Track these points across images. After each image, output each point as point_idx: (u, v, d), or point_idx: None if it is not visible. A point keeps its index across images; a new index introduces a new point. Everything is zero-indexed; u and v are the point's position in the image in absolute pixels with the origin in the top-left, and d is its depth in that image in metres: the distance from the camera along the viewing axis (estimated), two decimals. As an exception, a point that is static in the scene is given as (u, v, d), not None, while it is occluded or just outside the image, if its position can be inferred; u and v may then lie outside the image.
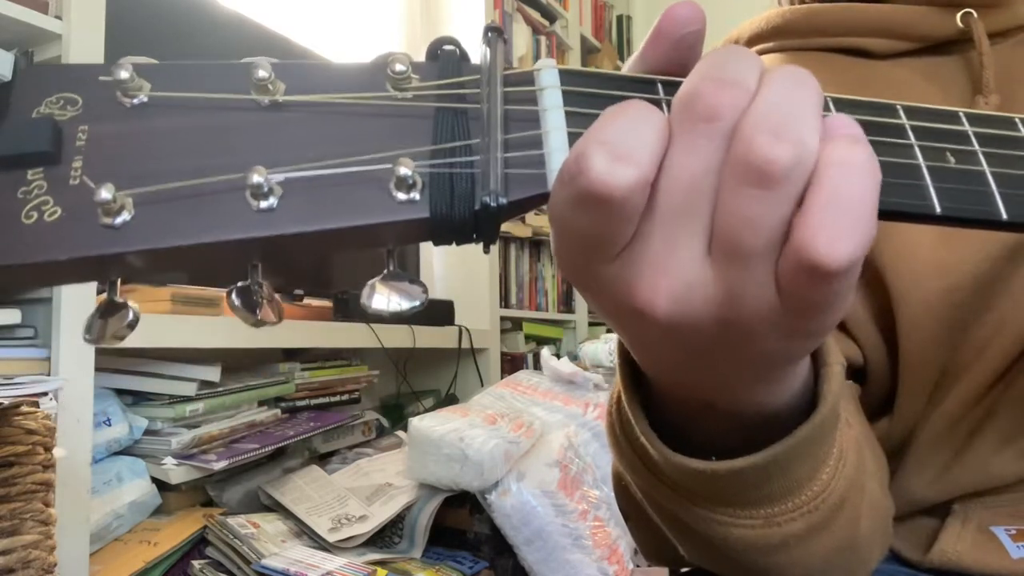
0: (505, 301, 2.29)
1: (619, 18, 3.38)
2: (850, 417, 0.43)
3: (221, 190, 0.26)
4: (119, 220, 0.25)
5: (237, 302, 0.28)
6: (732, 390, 0.32)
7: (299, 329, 1.43)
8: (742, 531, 0.36)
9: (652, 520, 0.42)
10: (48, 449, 0.82)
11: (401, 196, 0.26)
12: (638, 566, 1.40)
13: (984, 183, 0.30)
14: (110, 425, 1.16)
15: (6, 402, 0.80)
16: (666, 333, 0.27)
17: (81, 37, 1.07)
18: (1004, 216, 0.29)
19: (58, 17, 1.07)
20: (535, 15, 2.62)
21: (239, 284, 0.28)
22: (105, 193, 0.24)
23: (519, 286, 2.38)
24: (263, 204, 0.25)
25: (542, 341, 2.42)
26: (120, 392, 1.23)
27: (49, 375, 0.99)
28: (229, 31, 1.54)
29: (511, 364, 2.22)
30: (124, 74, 0.27)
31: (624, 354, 0.38)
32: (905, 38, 0.56)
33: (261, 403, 1.41)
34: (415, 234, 0.27)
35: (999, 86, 0.52)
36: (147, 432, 1.21)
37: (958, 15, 0.53)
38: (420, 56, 0.30)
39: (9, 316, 0.98)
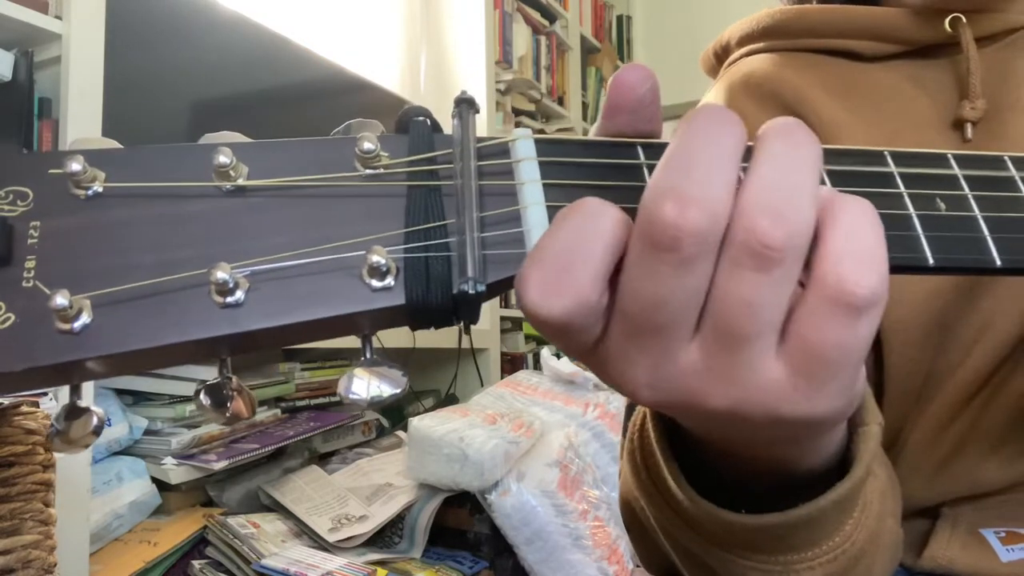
0: (505, 301, 2.29)
1: (619, 18, 3.37)
2: (878, 467, 0.43)
3: (184, 287, 0.24)
4: (77, 325, 0.23)
5: (206, 402, 0.26)
6: (753, 448, 0.32)
7: (299, 329, 1.43)
8: (758, 574, 0.36)
9: (656, 539, 0.42)
10: (48, 449, 0.82)
11: (375, 283, 0.25)
12: (638, 566, 1.40)
13: (976, 229, 0.29)
14: (110, 425, 1.16)
15: (6, 402, 0.80)
16: (658, 408, 0.27)
17: (81, 37, 1.07)
18: (998, 263, 0.29)
19: (58, 17, 1.07)
20: (535, 15, 2.62)
21: (207, 383, 0.27)
22: (60, 299, 0.23)
23: (519, 286, 2.37)
24: (229, 299, 0.24)
25: (542, 341, 2.41)
26: (120, 392, 1.23)
27: (49, 375, 0.98)
28: (229, 31, 1.54)
29: (511, 364, 2.22)
30: (76, 166, 0.25)
31: None
32: (893, 41, 0.56)
33: (261, 403, 1.41)
34: (392, 320, 0.26)
35: (986, 90, 0.52)
36: (147, 432, 1.21)
37: (946, 20, 0.53)
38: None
39: (9, 316, 0.98)
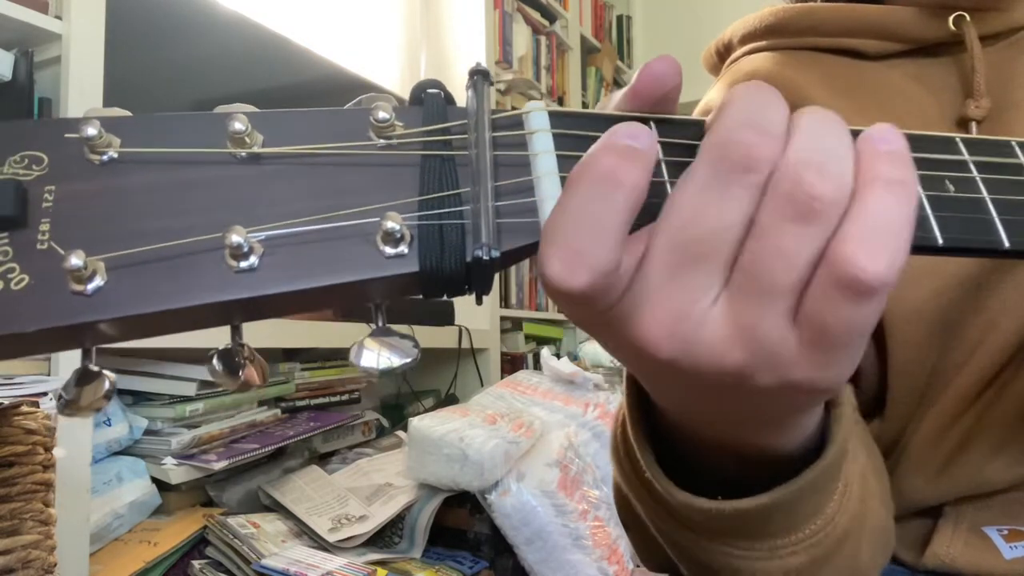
0: (505, 301, 2.29)
1: (619, 18, 3.37)
2: (857, 450, 0.43)
3: (198, 251, 0.25)
4: (91, 287, 0.24)
5: (219, 368, 0.27)
6: (739, 432, 0.32)
7: (299, 329, 1.43)
8: (744, 562, 0.36)
9: (652, 533, 0.42)
10: (48, 449, 0.82)
11: (389, 250, 0.25)
12: (638, 566, 1.40)
13: (985, 211, 0.29)
14: (110, 425, 1.16)
15: (6, 402, 0.80)
16: (668, 370, 0.27)
17: (81, 37, 1.07)
18: (1006, 244, 0.29)
19: (58, 17, 1.07)
20: (535, 15, 2.61)
21: (220, 348, 0.27)
22: (75, 260, 0.23)
23: (519, 286, 2.37)
24: (243, 264, 0.24)
25: (542, 341, 2.41)
26: (120, 392, 1.22)
27: (49, 375, 0.98)
28: (229, 31, 1.54)
29: (511, 364, 2.22)
30: (91, 131, 0.25)
31: (631, 377, 0.37)
32: (897, 40, 0.55)
33: (261, 403, 1.41)
34: (405, 288, 0.26)
35: (990, 89, 0.52)
36: (147, 432, 1.21)
37: (950, 18, 0.53)
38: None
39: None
